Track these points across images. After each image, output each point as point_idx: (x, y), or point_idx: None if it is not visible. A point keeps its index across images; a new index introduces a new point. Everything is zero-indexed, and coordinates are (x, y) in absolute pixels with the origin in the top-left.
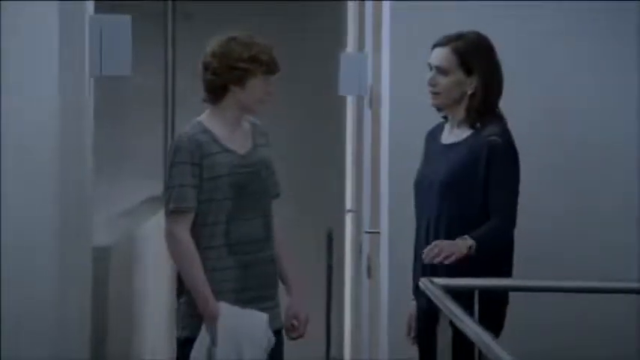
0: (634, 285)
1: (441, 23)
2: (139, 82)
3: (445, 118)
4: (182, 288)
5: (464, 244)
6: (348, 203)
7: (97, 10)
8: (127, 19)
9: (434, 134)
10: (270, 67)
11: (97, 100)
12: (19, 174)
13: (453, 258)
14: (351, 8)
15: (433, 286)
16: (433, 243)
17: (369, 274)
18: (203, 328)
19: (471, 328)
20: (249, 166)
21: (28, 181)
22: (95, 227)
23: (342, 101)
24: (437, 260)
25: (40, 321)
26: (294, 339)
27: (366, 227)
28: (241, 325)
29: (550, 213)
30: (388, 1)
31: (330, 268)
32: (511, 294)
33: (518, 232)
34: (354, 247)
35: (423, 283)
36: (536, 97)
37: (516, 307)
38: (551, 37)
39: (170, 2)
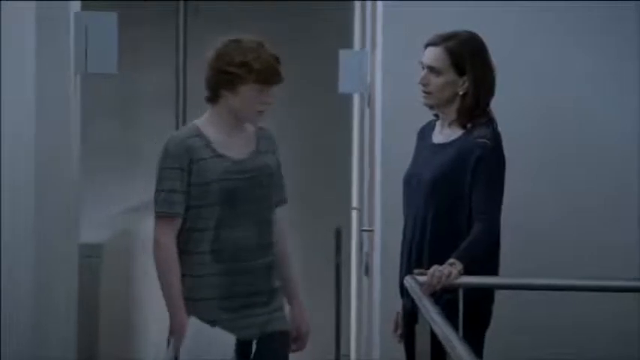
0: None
1: (435, 23)
2: (152, 81)
3: (436, 116)
4: None
5: (455, 272)
6: (354, 201)
7: (104, 8)
8: (113, 16)
9: (425, 132)
10: (262, 77)
11: (107, 100)
12: None
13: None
14: (358, 8)
15: (416, 285)
16: (429, 273)
17: (367, 272)
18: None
19: (441, 327)
20: (244, 172)
21: (8, 179)
22: (95, 224)
23: (349, 100)
24: (437, 288)
25: (23, 318)
26: (294, 351)
27: (366, 225)
28: (201, 345)
29: (548, 213)
30: (382, 1)
31: (338, 266)
32: (503, 293)
33: (516, 232)
34: (358, 245)
35: (407, 280)
36: (533, 97)
37: (508, 307)
38: (548, 36)
39: (182, 2)
